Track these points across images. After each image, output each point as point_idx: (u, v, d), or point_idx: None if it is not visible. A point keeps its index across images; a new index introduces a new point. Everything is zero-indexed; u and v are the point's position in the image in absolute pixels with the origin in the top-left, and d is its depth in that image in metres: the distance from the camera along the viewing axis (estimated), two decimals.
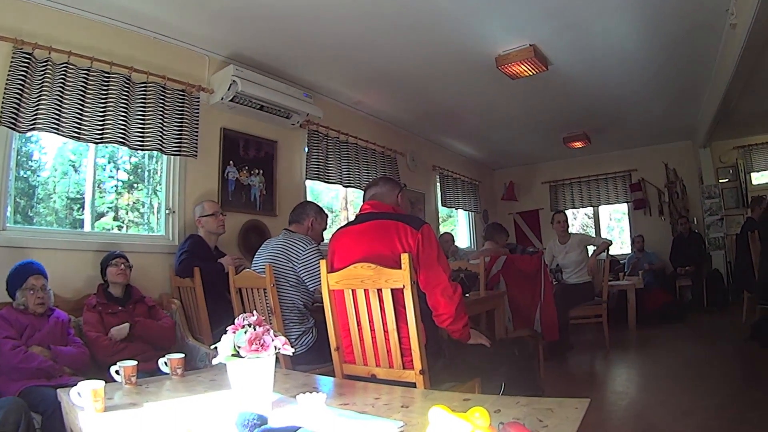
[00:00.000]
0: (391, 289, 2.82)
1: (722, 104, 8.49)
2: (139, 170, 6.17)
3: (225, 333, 2.11)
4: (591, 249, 8.06)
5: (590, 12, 6.01)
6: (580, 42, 6.74)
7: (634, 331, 8.97)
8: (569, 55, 7.09)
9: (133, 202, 6.07)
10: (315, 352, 4.04)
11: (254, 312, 2.20)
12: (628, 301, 9.21)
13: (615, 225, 14.33)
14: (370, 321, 2.95)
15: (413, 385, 2.79)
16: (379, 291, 2.86)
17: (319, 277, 3.19)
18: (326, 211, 5.10)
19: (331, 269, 3.12)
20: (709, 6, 6.10)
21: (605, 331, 7.45)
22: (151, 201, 6.07)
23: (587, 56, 7.19)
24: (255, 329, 2.08)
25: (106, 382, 2.23)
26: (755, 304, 7.66)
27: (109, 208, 5.83)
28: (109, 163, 5.85)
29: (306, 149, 7.41)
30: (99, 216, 5.66)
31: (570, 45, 6.80)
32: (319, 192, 8.30)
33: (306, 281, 4.27)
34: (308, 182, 7.54)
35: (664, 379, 5.96)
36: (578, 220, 14.36)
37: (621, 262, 11.83)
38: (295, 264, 4.28)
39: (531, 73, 7.03)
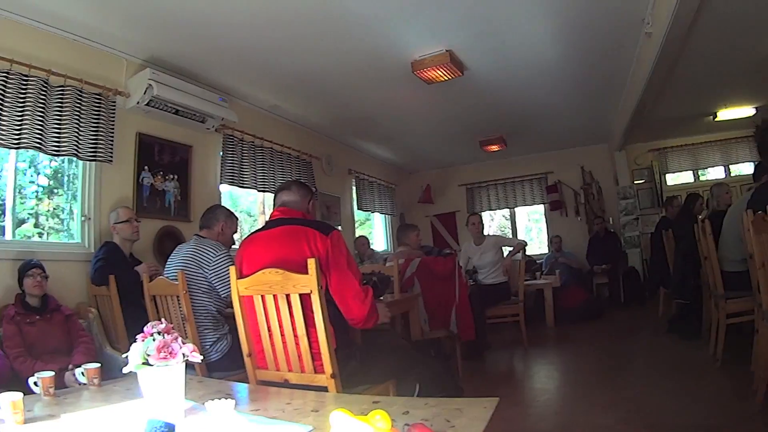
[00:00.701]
0: (300, 294, 2.80)
1: (637, 110, 8.77)
2: (59, 175, 5.94)
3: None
4: (507, 250, 8.16)
5: (507, 19, 6.11)
6: (497, 48, 6.83)
7: (552, 328, 9.14)
8: (486, 61, 7.18)
9: (53, 209, 5.87)
10: (230, 359, 3.97)
11: (162, 320, 2.16)
12: (546, 300, 9.37)
13: (533, 226, 14.60)
14: (280, 326, 2.92)
15: (325, 389, 2.77)
16: (288, 296, 2.84)
17: (230, 283, 3.15)
18: (236, 215, 5.02)
19: (240, 275, 3.07)
20: (626, 15, 6.30)
21: (522, 329, 7.52)
22: (71, 207, 5.85)
23: (504, 62, 7.29)
24: (164, 337, 2.04)
25: (24, 394, 2.17)
26: (671, 299, 7.97)
27: (29, 214, 5.62)
28: (30, 167, 5.64)
29: (221, 154, 7.29)
30: (20, 223, 5.45)
31: (486, 51, 6.88)
32: (238, 196, 8.20)
33: (217, 287, 4.21)
34: (224, 187, 7.42)
35: (583, 374, 6.09)
36: (495, 221, 14.57)
37: (538, 261, 12.02)
38: (206, 270, 4.21)
39: (446, 78, 7.08)
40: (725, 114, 11.36)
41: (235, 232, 4.92)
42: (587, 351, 7.33)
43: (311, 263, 2.73)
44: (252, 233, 3.46)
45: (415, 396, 3.32)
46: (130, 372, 2.04)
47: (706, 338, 6.13)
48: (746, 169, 12.56)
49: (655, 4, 5.94)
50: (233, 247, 4.82)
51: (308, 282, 2.75)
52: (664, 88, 8.50)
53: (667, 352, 6.58)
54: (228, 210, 4.89)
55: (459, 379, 5.36)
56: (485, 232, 8.30)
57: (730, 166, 13.40)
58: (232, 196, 7.86)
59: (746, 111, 11.22)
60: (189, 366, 2.19)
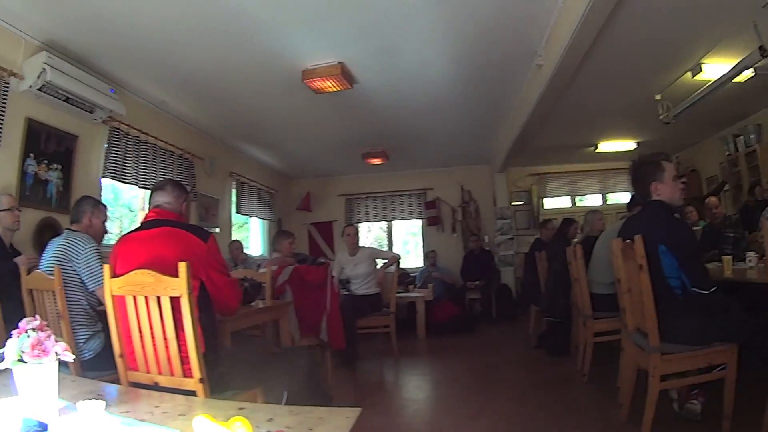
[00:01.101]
0: (171, 297, 2.77)
1: (521, 135, 9.21)
2: None
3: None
4: (381, 262, 8.22)
5: (402, 38, 6.22)
6: (389, 65, 6.94)
7: (423, 341, 9.25)
8: (377, 76, 7.27)
9: None
10: (104, 359, 3.83)
11: (37, 316, 2.10)
12: (418, 313, 9.49)
13: (410, 239, 14.77)
14: (151, 328, 2.87)
15: (194, 393, 2.76)
16: (159, 299, 2.81)
17: (99, 278, 3.12)
18: (104, 204, 4.86)
19: (114, 274, 3.00)
20: (520, 46, 6.60)
21: (393, 340, 7.61)
22: None
23: (395, 79, 7.41)
24: (37, 334, 1.99)
25: None
26: (541, 316, 8.24)
27: None
28: None
29: (106, 146, 6.98)
30: None
31: (379, 67, 6.98)
32: (120, 190, 7.94)
33: (86, 281, 4.06)
34: (106, 180, 7.12)
35: (453, 386, 6.22)
36: (373, 233, 14.65)
37: (412, 275, 12.15)
38: (76, 264, 4.05)
39: (336, 90, 7.09)
40: (606, 146, 12.12)
41: (105, 220, 4.73)
42: (458, 363, 7.47)
43: (182, 267, 2.72)
44: (128, 233, 3.40)
45: (283, 403, 3.31)
46: (2, 368, 1.98)
47: (574, 355, 6.38)
48: (622, 198, 13.39)
49: (548, 39, 6.24)
50: (108, 235, 4.70)
51: (179, 285, 2.73)
52: (548, 117, 8.90)
53: (537, 367, 6.79)
54: (94, 200, 4.68)
55: (329, 387, 5.35)
56: (361, 244, 8.30)
57: (608, 195, 14.30)
58: (114, 190, 7.61)
59: (628, 145, 12.01)
60: (64, 364, 2.13)
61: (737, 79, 7.42)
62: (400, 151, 11.47)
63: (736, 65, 6.96)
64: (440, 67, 7.16)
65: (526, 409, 4.82)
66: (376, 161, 11.74)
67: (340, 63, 6.67)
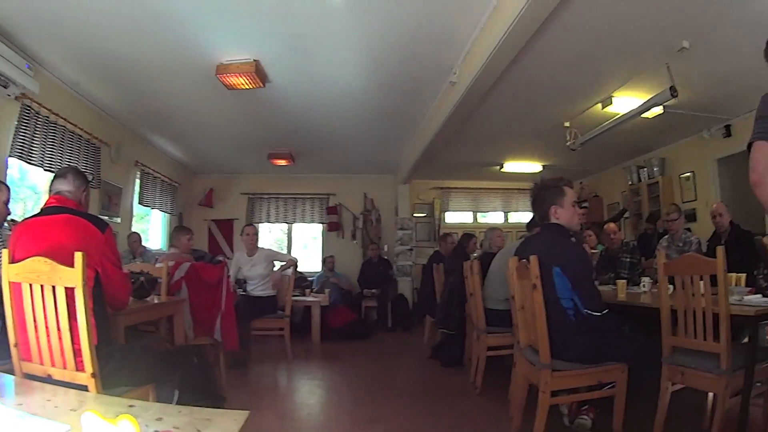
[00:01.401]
0: (66, 288, 2.72)
1: (428, 149, 9.39)
2: None
3: None
4: (279, 264, 8.18)
5: (319, 42, 6.22)
6: (304, 67, 6.92)
7: (318, 345, 9.25)
8: (290, 77, 7.23)
9: None
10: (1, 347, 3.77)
11: None
12: (313, 317, 9.49)
13: (310, 243, 14.71)
14: (45, 318, 2.80)
15: (86, 387, 2.70)
16: (54, 288, 2.75)
17: None
18: (6, 184, 4.64)
19: (13, 260, 2.93)
20: (436, 62, 6.73)
21: (287, 343, 7.59)
22: None
23: (308, 82, 7.39)
24: None
25: None
26: (436, 328, 8.35)
27: None
28: None
29: (16, 124, 6.65)
30: None
31: (293, 68, 6.94)
32: (27, 171, 7.63)
33: None
34: (12, 160, 6.84)
35: (346, 392, 6.24)
36: (273, 234, 14.55)
37: (310, 279, 12.07)
38: None
39: (248, 87, 7.02)
40: (511, 166, 12.44)
41: (7, 201, 4.58)
42: (351, 370, 7.49)
43: (78, 258, 2.67)
44: (28, 218, 3.33)
45: (174, 403, 3.26)
46: None
47: (468, 367, 6.52)
48: (524, 217, 13.67)
49: (465, 58, 6.39)
50: (10, 218, 4.55)
51: (73, 276, 2.68)
52: (458, 133, 9.05)
53: (430, 377, 6.87)
54: None
55: (221, 388, 5.26)
56: (260, 245, 8.24)
57: (509, 213, 14.75)
58: (21, 170, 7.33)
59: (534, 167, 12.40)
60: None
61: (646, 115, 7.79)
62: (306, 154, 11.46)
63: (647, 102, 7.33)
64: (355, 75, 7.19)
65: (419, 418, 4.87)
66: (282, 162, 11.68)
67: (255, 61, 6.61)
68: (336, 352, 8.73)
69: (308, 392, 6.36)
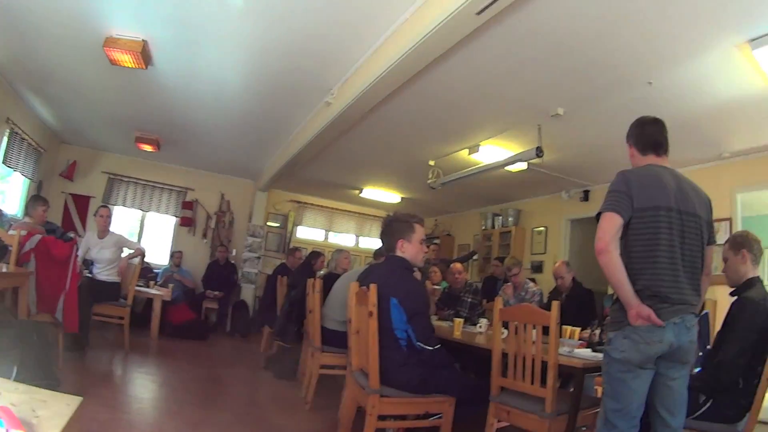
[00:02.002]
0: None
1: (291, 162, 9.58)
2: None
3: None
4: (126, 251, 8.05)
5: (210, 37, 6.22)
6: (189, 58, 6.88)
7: (155, 339, 9.11)
8: (174, 65, 7.17)
9: None
10: None
11: None
12: (154, 310, 9.31)
13: (161, 235, 14.44)
14: None
15: None
16: None
17: None
18: None
19: None
20: (317, 79, 6.85)
21: (126, 333, 7.51)
22: None
23: (189, 73, 7.35)
24: None
25: None
26: (273, 338, 8.46)
27: None
28: None
29: None
30: None
31: (179, 56, 6.89)
32: None
33: None
34: None
35: (178, 391, 6.21)
36: (126, 220, 14.18)
37: (155, 271, 11.92)
38: None
39: (131, 66, 6.87)
40: (370, 192, 12.69)
41: None
42: (186, 369, 7.46)
43: None
44: None
45: (12, 378, 3.24)
46: None
47: (300, 381, 6.70)
48: (374, 244, 14.04)
49: (345, 82, 6.59)
50: None
51: None
52: (324, 152, 9.27)
53: (262, 387, 6.99)
54: None
55: (57, 370, 5.18)
56: (111, 228, 8.05)
57: (361, 237, 14.95)
58: None
59: (393, 197, 12.73)
60: None
61: (510, 168, 8.20)
62: (173, 143, 11.29)
63: (513, 156, 7.81)
64: (237, 75, 7.21)
65: (246, 426, 4.95)
66: (147, 147, 11.40)
67: (144, 41, 6.50)
68: (173, 349, 8.69)
69: (141, 386, 6.31)
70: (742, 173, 7.76)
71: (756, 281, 3.86)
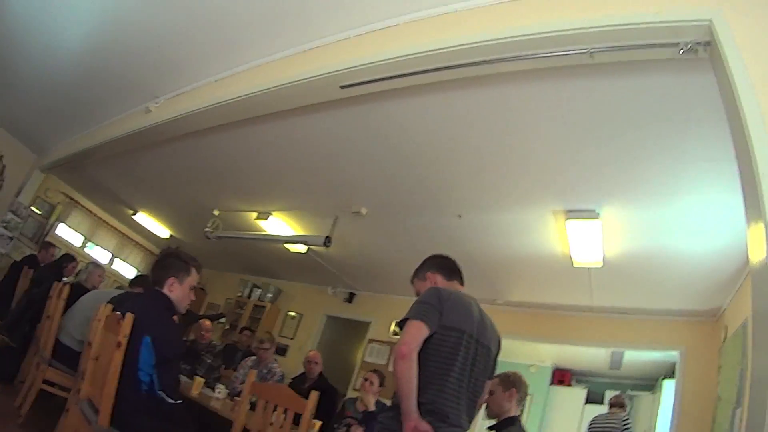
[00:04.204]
0: None
1: (82, 153, 8.97)
2: None
3: None
4: None
5: None
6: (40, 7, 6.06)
7: None
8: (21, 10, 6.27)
9: None
10: None
11: None
12: None
13: None
14: None
15: None
16: None
17: None
18: None
19: None
20: (149, 82, 6.48)
21: None
22: None
23: (34, 21, 6.43)
24: None
25: None
26: (0, 332, 7.63)
27: None
28: None
29: None
30: None
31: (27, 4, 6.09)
32: None
33: None
34: None
35: None
36: None
37: None
38: None
39: None
40: (141, 217, 12.60)
41: None
42: None
43: None
44: None
45: None
46: None
47: (18, 389, 6.05)
48: (127, 270, 14.57)
49: (176, 97, 6.32)
50: None
51: None
52: (120, 159, 8.97)
53: None
54: None
55: None
56: None
57: (116, 259, 14.66)
58: None
59: (163, 230, 12.78)
60: None
61: (290, 246, 8.21)
62: None
63: (298, 236, 7.95)
64: (77, 37, 6.33)
65: None
66: None
67: None
68: None
69: None
70: (509, 322, 8.13)
71: (516, 420, 4.17)
